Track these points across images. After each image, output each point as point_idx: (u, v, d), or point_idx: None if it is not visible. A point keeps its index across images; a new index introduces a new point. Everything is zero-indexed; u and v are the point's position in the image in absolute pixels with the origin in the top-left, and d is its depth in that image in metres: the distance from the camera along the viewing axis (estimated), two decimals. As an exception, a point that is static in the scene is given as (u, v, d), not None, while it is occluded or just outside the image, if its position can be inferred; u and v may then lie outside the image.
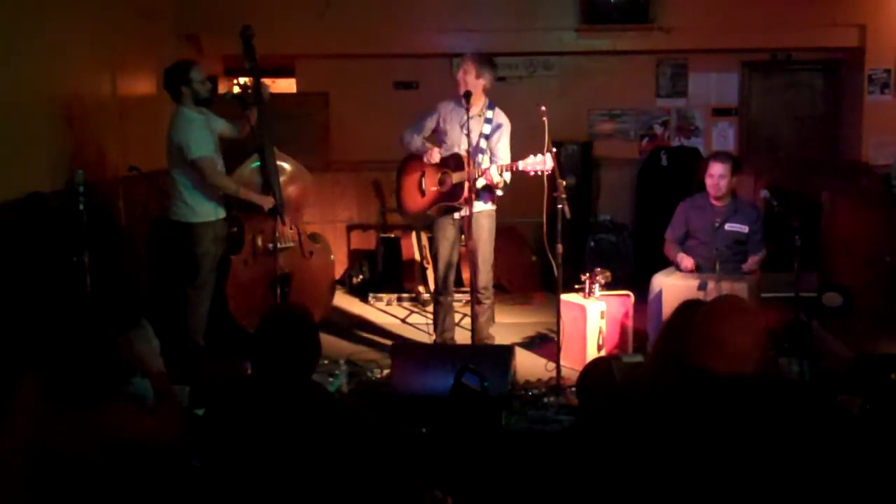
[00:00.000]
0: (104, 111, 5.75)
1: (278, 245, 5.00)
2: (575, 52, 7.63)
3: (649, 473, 2.10)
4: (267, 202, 4.97)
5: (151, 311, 5.23)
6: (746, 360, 2.15)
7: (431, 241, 5.49)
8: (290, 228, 5.25)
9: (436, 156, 5.11)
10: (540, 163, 4.83)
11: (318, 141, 7.65)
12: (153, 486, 2.79)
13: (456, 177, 5.07)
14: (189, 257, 4.97)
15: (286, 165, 5.34)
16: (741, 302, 2.32)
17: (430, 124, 5.26)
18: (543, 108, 4.79)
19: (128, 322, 3.43)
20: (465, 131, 4.93)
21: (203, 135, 4.91)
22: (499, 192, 5.20)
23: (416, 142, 5.23)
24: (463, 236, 5.23)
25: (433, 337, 5.57)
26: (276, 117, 5.49)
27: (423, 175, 5.23)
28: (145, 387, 3.26)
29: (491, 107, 5.15)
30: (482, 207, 5.17)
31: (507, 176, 5.04)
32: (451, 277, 5.34)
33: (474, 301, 5.10)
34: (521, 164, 4.89)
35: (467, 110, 4.93)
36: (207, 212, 4.97)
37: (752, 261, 5.20)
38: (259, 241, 5.16)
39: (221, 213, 5.06)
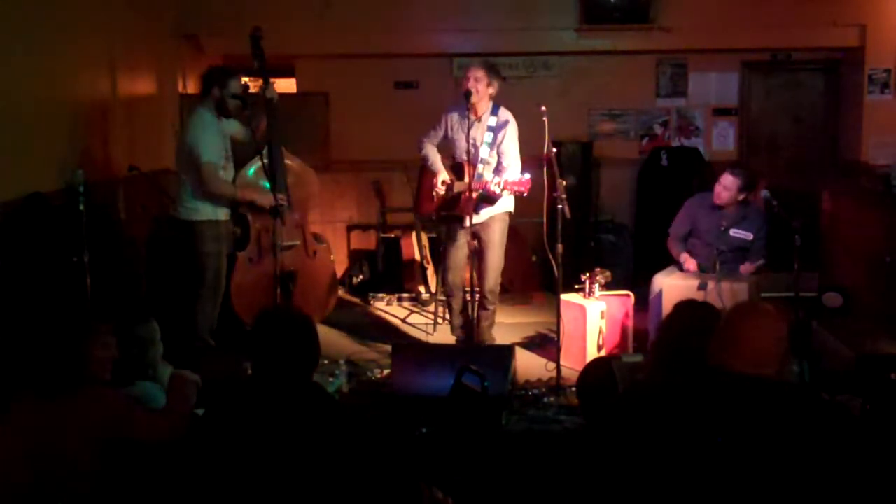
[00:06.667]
0: (104, 111, 5.75)
1: (282, 243, 5.00)
2: (575, 52, 7.62)
3: (661, 472, 2.11)
4: (267, 200, 4.96)
5: (151, 310, 5.23)
6: (768, 361, 2.19)
7: (434, 241, 5.49)
8: (296, 227, 5.26)
9: (439, 187, 5.16)
10: (518, 183, 4.85)
11: (318, 141, 7.64)
12: (153, 485, 2.80)
13: (458, 186, 5.08)
14: (193, 256, 4.98)
15: (293, 166, 5.35)
16: (765, 305, 2.36)
17: (440, 133, 5.33)
18: (544, 108, 4.80)
19: (138, 322, 3.45)
20: (470, 140, 4.94)
21: (215, 140, 4.92)
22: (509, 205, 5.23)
23: (431, 157, 5.28)
24: (474, 241, 5.22)
25: (433, 337, 5.58)
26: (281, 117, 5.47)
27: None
28: (151, 389, 3.28)
29: (495, 111, 5.15)
30: (494, 212, 5.18)
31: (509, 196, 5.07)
32: (460, 282, 5.35)
33: (473, 303, 5.09)
34: (508, 184, 4.90)
35: (468, 109, 4.94)
36: (211, 211, 4.98)
37: (748, 267, 5.20)
38: (265, 239, 5.16)
39: (224, 215, 5.06)
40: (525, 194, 4.90)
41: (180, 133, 4.98)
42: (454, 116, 5.23)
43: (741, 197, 5.26)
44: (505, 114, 5.18)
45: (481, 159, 5.08)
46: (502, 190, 4.91)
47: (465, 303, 5.40)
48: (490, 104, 5.14)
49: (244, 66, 5.36)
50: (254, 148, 5.02)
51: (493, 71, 5.09)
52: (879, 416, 3.58)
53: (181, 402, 3.05)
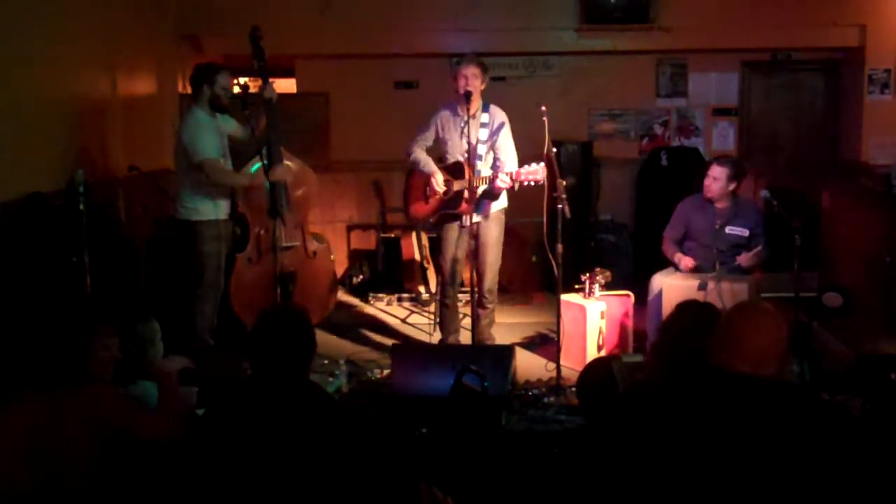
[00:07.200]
0: (104, 111, 5.75)
1: (282, 244, 5.00)
2: (575, 52, 7.63)
3: (661, 471, 2.11)
4: (278, 173, 4.94)
5: (151, 310, 5.23)
6: (768, 361, 2.19)
7: (434, 241, 5.49)
8: (295, 228, 5.26)
9: (440, 186, 5.11)
10: (534, 172, 4.82)
11: (318, 141, 7.65)
12: (153, 485, 2.80)
13: (457, 185, 5.08)
14: (193, 256, 4.98)
15: (292, 166, 5.34)
16: (765, 305, 2.36)
17: (430, 136, 5.27)
18: (544, 108, 4.80)
19: (138, 322, 3.45)
20: (464, 137, 4.92)
21: (211, 138, 4.92)
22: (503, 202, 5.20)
23: (423, 159, 5.22)
24: (470, 240, 5.21)
25: (433, 337, 5.58)
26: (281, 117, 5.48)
27: (428, 181, 5.22)
28: (151, 389, 3.27)
29: (486, 108, 5.14)
30: (491, 210, 5.16)
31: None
32: (458, 280, 5.34)
33: (474, 303, 5.09)
34: (521, 174, 4.86)
35: (467, 111, 4.93)
36: (210, 211, 4.98)
37: (746, 256, 5.15)
38: (264, 240, 5.17)
39: (223, 214, 5.07)
40: (540, 183, 4.85)
41: (177, 133, 4.98)
42: (446, 115, 5.20)
43: (731, 187, 5.24)
44: (496, 110, 5.17)
45: (478, 156, 5.08)
46: (513, 182, 4.89)
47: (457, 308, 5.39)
48: (480, 101, 5.14)
49: (244, 65, 5.36)
50: (253, 147, 5.02)
51: (483, 66, 5.08)
52: (879, 416, 3.59)
53: (172, 399, 3.04)
